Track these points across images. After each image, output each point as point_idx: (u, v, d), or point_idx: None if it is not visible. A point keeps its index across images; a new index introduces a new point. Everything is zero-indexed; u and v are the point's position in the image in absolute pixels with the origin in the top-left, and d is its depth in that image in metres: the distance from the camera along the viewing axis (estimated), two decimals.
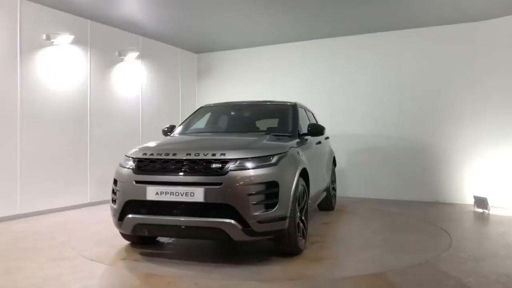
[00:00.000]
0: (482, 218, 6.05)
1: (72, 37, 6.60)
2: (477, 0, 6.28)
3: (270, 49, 8.94)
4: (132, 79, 7.99)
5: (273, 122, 5.33)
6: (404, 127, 7.70)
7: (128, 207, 3.81)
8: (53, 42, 6.37)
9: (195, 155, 3.72)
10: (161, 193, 3.66)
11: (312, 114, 6.41)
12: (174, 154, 3.80)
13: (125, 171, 3.92)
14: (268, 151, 3.86)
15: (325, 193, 6.16)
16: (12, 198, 5.85)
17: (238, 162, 3.65)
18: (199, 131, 5.22)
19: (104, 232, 4.97)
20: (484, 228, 5.55)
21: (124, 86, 7.80)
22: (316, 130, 4.93)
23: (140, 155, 3.95)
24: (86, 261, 3.89)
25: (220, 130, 5.39)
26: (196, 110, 5.74)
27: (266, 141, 4.26)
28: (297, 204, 3.93)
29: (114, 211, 3.94)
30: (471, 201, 6.91)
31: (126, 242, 4.50)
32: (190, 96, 9.63)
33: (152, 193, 3.69)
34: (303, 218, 4.18)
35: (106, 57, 7.39)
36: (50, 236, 4.86)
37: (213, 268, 3.66)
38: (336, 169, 7.08)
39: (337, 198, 7.08)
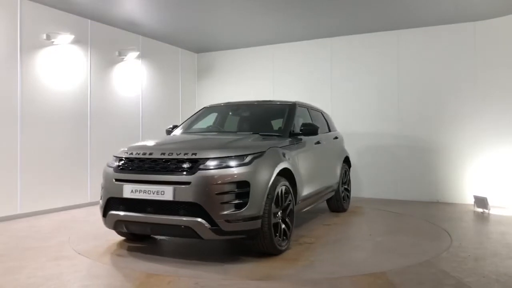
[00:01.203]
0: (482, 218, 6.06)
1: (72, 36, 6.60)
2: None
3: (270, 49, 8.94)
4: (132, 79, 7.99)
5: (271, 122, 5.33)
6: (405, 126, 7.70)
7: (110, 204, 3.98)
8: (53, 41, 6.37)
9: (168, 155, 3.84)
10: (135, 191, 3.81)
11: (322, 113, 6.36)
12: (150, 154, 3.93)
13: (109, 169, 4.12)
14: (241, 151, 3.88)
15: (332, 194, 6.12)
16: (12, 197, 5.86)
17: (208, 161, 3.71)
18: (196, 131, 5.28)
19: (103, 230, 4.94)
20: (484, 228, 5.55)
21: (124, 86, 7.80)
22: (309, 130, 4.88)
23: (122, 155, 4.10)
24: (87, 260, 3.91)
25: (218, 129, 5.42)
26: (199, 110, 5.82)
27: (250, 140, 4.27)
28: (274, 204, 3.90)
29: (100, 207, 4.14)
30: (471, 200, 6.92)
31: (125, 241, 4.55)
32: (190, 96, 9.63)
33: (128, 191, 3.84)
34: (286, 219, 4.15)
35: (106, 57, 7.39)
36: (51, 236, 4.87)
37: (211, 267, 3.66)
38: None
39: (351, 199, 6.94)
